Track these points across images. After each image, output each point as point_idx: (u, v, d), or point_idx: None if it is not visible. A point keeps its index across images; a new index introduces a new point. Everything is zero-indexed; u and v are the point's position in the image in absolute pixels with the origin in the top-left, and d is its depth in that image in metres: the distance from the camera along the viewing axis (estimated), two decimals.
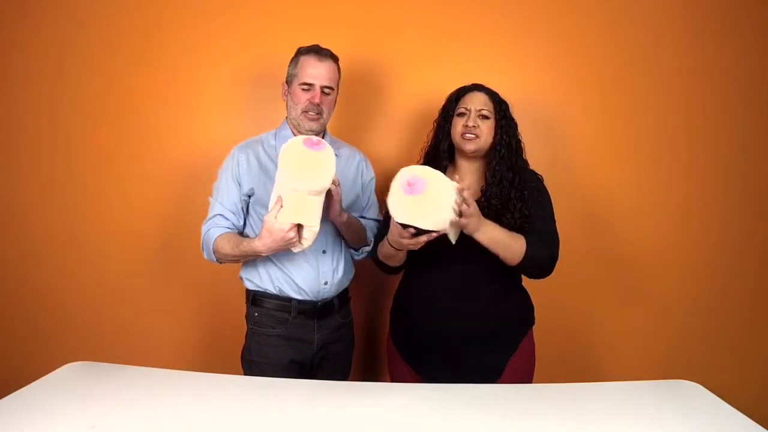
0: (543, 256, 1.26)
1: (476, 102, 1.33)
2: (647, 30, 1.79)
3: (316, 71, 1.33)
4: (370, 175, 1.53)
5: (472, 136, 1.31)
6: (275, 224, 1.18)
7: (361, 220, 1.48)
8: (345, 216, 1.33)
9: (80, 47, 1.83)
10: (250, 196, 1.37)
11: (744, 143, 1.81)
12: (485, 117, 1.32)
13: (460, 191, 1.12)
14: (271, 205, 1.21)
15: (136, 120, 1.84)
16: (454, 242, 1.16)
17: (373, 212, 1.54)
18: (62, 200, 1.88)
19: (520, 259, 1.22)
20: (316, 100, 1.33)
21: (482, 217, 1.18)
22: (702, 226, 1.83)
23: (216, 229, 1.35)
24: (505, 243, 1.21)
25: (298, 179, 1.15)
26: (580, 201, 1.80)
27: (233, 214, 1.37)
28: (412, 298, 1.38)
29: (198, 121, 1.84)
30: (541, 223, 1.30)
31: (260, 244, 1.22)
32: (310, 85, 1.33)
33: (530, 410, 1.03)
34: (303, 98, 1.34)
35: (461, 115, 1.34)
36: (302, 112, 1.35)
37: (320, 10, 1.79)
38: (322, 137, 1.42)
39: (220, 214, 1.36)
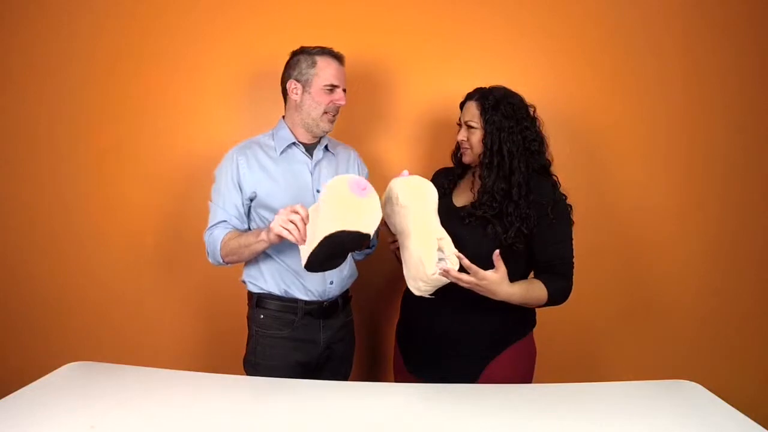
0: (561, 293, 1.26)
1: (466, 113, 1.32)
2: (649, 29, 1.78)
3: (339, 73, 1.34)
4: (365, 171, 1.52)
5: (464, 150, 1.34)
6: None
7: None
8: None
9: (80, 48, 1.84)
10: (252, 200, 1.36)
11: (745, 145, 1.81)
12: (472, 128, 1.30)
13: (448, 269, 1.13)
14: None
15: (135, 120, 1.84)
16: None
17: None
18: (62, 200, 1.88)
19: (542, 304, 1.24)
20: (343, 102, 1.35)
21: (500, 283, 1.15)
22: (702, 226, 1.83)
23: (220, 230, 1.33)
24: (525, 299, 1.20)
25: (339, 223, 1.08)
26: (579, 201, 1.79)
27: (237, 219, 1.35)
28: (415, 301, 1.37)
29: (198, 121, 1.84)
30: (553, 249, 1.26)
31: (267, 229, 1.20)
32: (335, 86, 1.33)
33: (530, 410, 1.03)
34: (326, 100, 1.33)
35: (459, 126, 1.36)
36: (324, 113, 1.34)
37: (320, 10, 1.79)
38: (319, 139, 1.42)
39: (224, 221, 1.34)
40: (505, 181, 1.25)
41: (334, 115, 1.36)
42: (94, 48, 1.83)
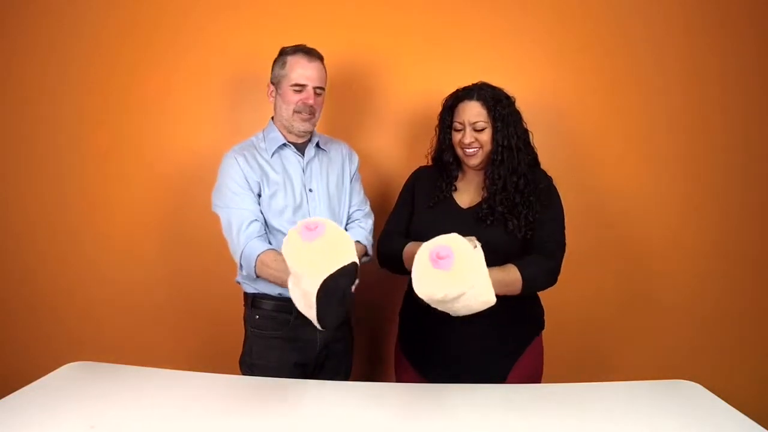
0: (541, 274, 1.21)
1: (469, 114, 1.27)
2: (649, 28, 1.78)
3: (308, 72, 1.32)
4: (355, 165, 1.50)
5: (473, 151, 1.28)
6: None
7: (353, 224, 1.45)
8: None
9: (80, 49, 1.84)
10: (259, 196, 1.34)
11: (746, 144, 1.81)
12: (481, 129, 1.27)
13: None
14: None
15: (135, 120, 1.84)
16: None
17: (358, 200, 1.49)
18: (62, 200, 1.88)
19: (521, 289, 1.17)
20: (311, 101, 1.32)
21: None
22: (703, 226, 1.83)
23: (255, 242, 1.24)
24: (500, 285, 1.09)
25: (310, 280, 0.98)
26: (580, 201, 1.80)
27: (261, 216, 1.31)
28: (420, 302, 1.36)
29: (197, 121, 1.84)
30: (545, 228, 1.25)
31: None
32: (302, 86, 1.32)
33: (531, 410, 1.03)
34: (294, 99, 1.32)
35: (457, 129, 1.30)
36: (294, 113, 1.33)
37: (317, 10, 1.79)
38: (310, 137, 1.41)
39: (254, 220, 1.27)
40: (515, 175, 1.26)
41: (308, 114, 1.33)
42: (94, 48, 1.83)
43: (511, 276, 1.15)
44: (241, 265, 1.27)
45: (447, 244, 0.99)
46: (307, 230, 0.98)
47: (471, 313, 1.03)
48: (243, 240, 1.25)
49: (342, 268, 0.99)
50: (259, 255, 1.22)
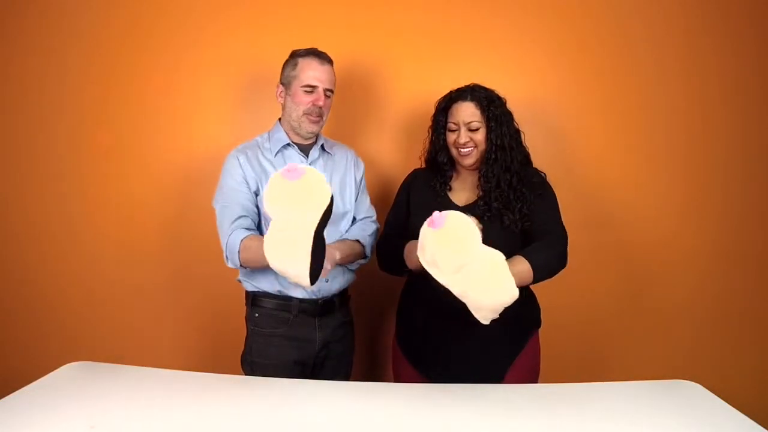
0: (549, 258, 1.22)
1: (464, 114, 1.30)
2: (649, 28, 1.78)
3: (319, 74, 1.34)
4: (361, 172, 1.51)
5: (468, 151, 1.31)
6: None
7: (355, 225, 1.46)
8: (338, 255, 1.27)
9: (80, 49, 1.84)
10: (256, 194, 1.35)
11: (745, 145, 1.80)
12: (476, 128, 1.29)
13: None
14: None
15: (135, 120, 1.84)
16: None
17: (365, 209, 1.51)
18: (62, 200, 1.88)
19: (532, 277, 1.17)
20: (320, 102, 1.34)
21: None
22: (703, 226, 1.83)
23: (239, 231, 1.26)
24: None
25: (289, 214, 1.02)
26: (581, 202, 1.80)
27: (253, 213, 1.33)
28: (418, 298, 1.37)
29: (198, 121, 1.84)
30: (542, 216, 1.28)
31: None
32: (313, 87, 1.34)
33: (530, 410, 1.03)
34: (305, 100, 1.34)
35: (452, 130, 1.32)
36: (304, 114, 1.35)
37: (317, 12, 1.79)
38: (315, 139, 1.43)
39: (243, 216, 1.29)
40: (508, 173, 1.29)
41: (317, 116, 1.35)
42: (94, 48, 1.83)
43: (520, 266, 1.15)
44: (227, 257, 1.29)
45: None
46: (288, 172, 1.04)
47: (489, 311, 1.05)
48: (227, 231, 1.27)
49: (329, 206, 1.05)
50: (242, 240, 1.24)
